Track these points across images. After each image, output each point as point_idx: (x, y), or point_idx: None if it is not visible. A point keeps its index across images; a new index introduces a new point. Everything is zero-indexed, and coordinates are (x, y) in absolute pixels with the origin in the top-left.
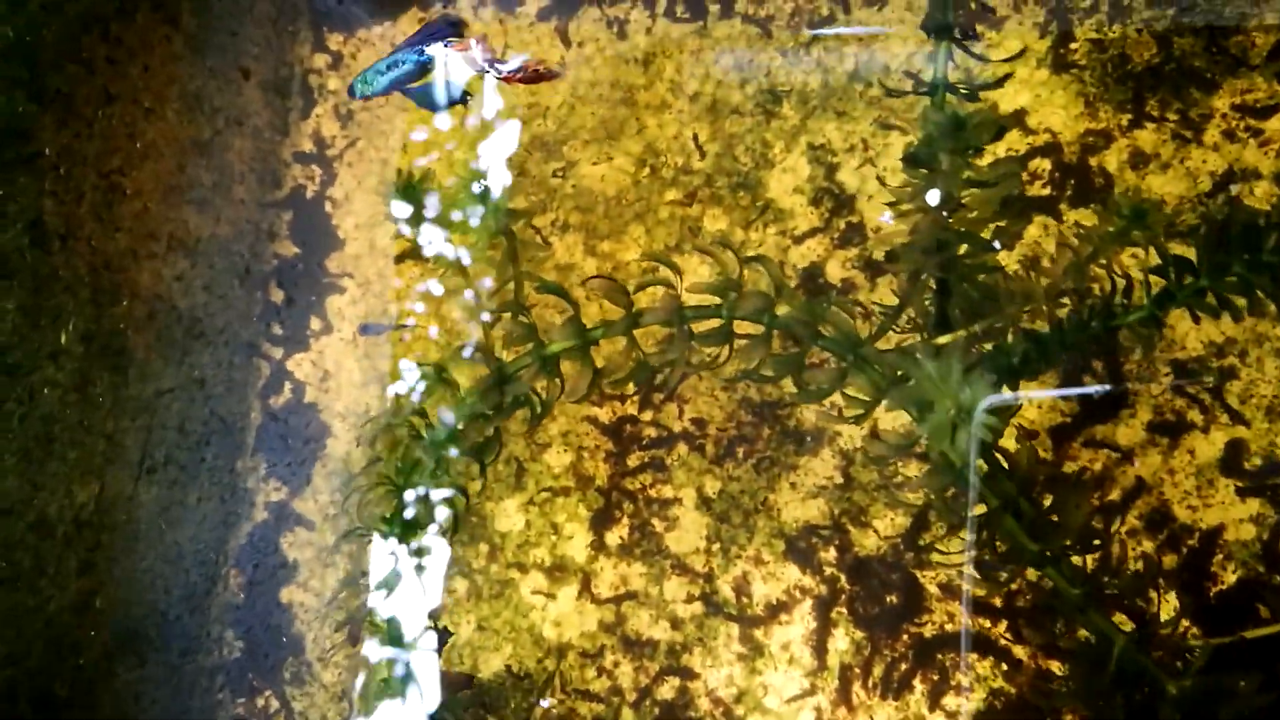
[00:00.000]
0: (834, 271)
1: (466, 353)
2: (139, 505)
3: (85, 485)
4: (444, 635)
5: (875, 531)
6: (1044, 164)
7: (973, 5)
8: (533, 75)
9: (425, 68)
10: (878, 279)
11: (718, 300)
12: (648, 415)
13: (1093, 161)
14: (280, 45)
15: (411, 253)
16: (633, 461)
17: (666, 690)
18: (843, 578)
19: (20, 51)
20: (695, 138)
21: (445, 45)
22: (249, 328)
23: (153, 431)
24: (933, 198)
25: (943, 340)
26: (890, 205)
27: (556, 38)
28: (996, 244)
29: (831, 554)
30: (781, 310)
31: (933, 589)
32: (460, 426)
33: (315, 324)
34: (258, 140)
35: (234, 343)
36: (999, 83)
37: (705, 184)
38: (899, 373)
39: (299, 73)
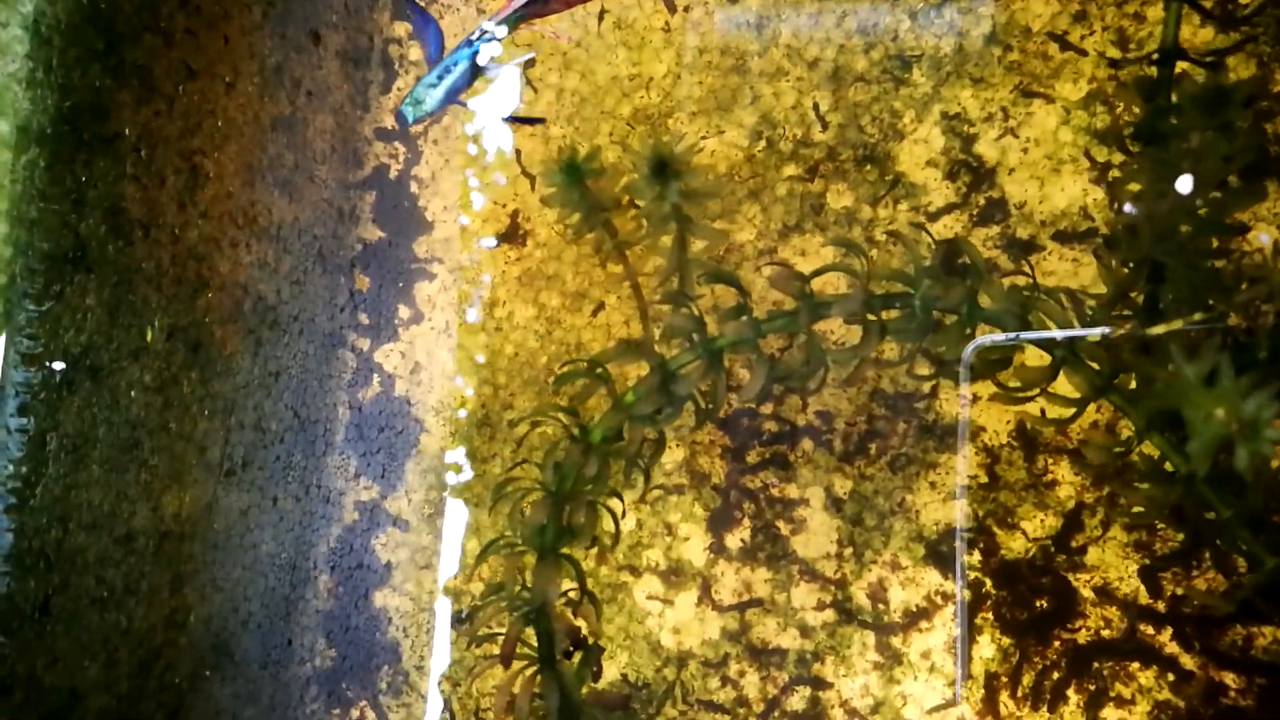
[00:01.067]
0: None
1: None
2: (220, 511)
3: (172, 494)
4: (596, 651)
5: (1023, 533)
6: None
7: None
8: None
9: (478, 65)
10: (1023, 259)
11: (908, 289)
12: (768, 408)
13: (1268, 128)
14: (358, 12)
15: (507, 235)
16: (752, 458)
17: (797, 701)
18: (988, 582)
19: (96, 20)
20: (816, 107)
21: (482, 28)
22: (333, 317)
23: (231, 431)
24: (1153, 174)
25: (1157, 331)
26: (1111, 185)
27: (660, 1)
28: (1264, 236)
29: (976, 557)
30: (984, 300)
31: (1087, 593)
32: (623, 429)
33: (404, 312)
34: (338, 116)
35: (317, 333)
36: (1237, 46)
37: (828, 157)
38: (1126, 370)
39: (378, 43)
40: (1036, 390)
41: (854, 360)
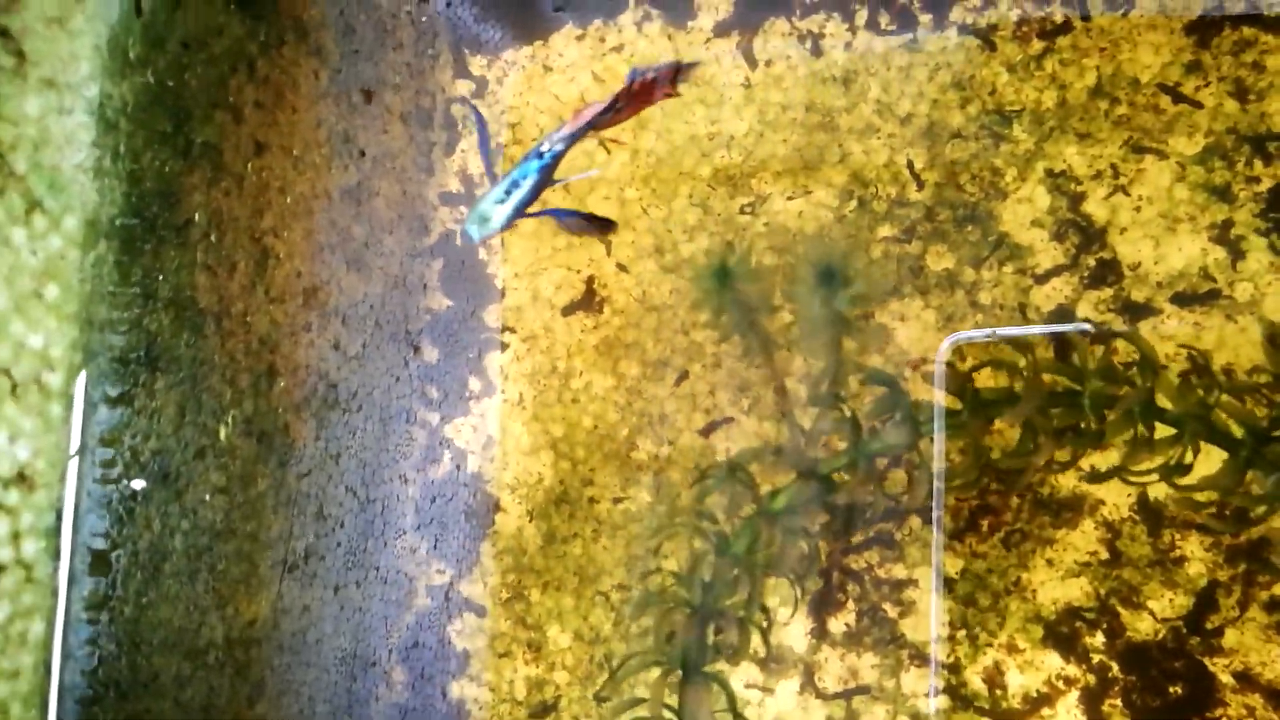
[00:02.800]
0: (1086, 315)
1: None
2: (287, 609)
3: (241, 597)
4: None
5: (1151, 613)
6: None
7: None
8: (656, 88)
9: (549, 174)
10: (1138, 324)
11: (1074, 385)
12: (870, 484)
13: None
14: (420, 72)
15: (583, 302)
16: (856, 537)
17: None
18: (1115, 666)
19: (163, 99)
20: (910, 165)
21: (552, 141)
22: (400, 393)
23: (294, 522)
24: None
25: None
26: None
27: (739, 56)
28: None
29: (1099, 639)
30: (1160, 399)
31: (1226, 679)
32: (777, 541)
33: (475, 384)
34: (403, 181)
35: (383, 410)
36: None
37: (925, 218)
38: None
39: (440, 102)
40: (1221, 495)
41: (1025, 465)
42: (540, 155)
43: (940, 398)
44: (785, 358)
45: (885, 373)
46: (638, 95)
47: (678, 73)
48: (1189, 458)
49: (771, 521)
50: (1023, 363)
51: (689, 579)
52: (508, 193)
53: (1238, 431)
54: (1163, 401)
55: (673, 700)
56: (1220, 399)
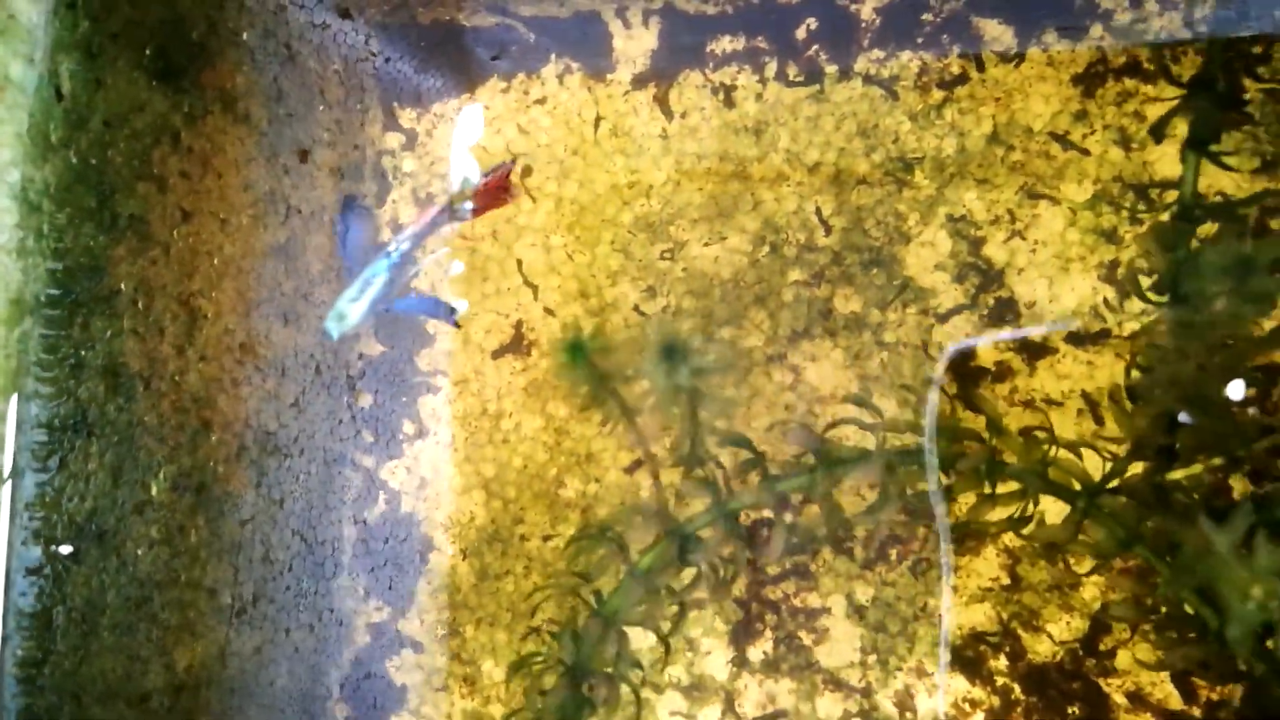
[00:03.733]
0: (986, 355)
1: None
2: (234, 652)
3: (186, 648)
4: None
5: (1050, 636)
6: (1210, 229)
7: None
8: (493, 193)
9: (405, 269)
10: (1036, 363)
11: (920, 441)
12: (786, 517)
13: (1275, 225)
14: (350, 127)
15: (511, 345)
16: (773, 569)
17: None
18: (1017, 688)
19: (86, 177)
20: (818, 211)
21: (398, 241)
22: (336, 437)
23: (240, 569)
24: (1176, 334)
25: (1176, 475)
26: (1134, 343)
27: (656, 107)
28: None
29: (1002, 662)
30: (1003, 454)
31: (1120, 699)
32: (639, 601)
33: (408, 427)
34: (333, 234)
35: (320, 455)
36: (1256, 199)
37: (833, 262)
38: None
39: (370, 155)
40: (1062, 545)
41: (874, 521)
42: (388, 255)
43: (933, 399)
44: (646, 423)
45: (740, 434)
46: (475, 199)
47: (508, 175)
48: (1030, 509)
49: (641, 581)
50: (871, 419)
51: (562, 636)
52: (361, 291)
53: (1076, 485)
54: (1008, 458)
55: None
56: (1058, 455)
